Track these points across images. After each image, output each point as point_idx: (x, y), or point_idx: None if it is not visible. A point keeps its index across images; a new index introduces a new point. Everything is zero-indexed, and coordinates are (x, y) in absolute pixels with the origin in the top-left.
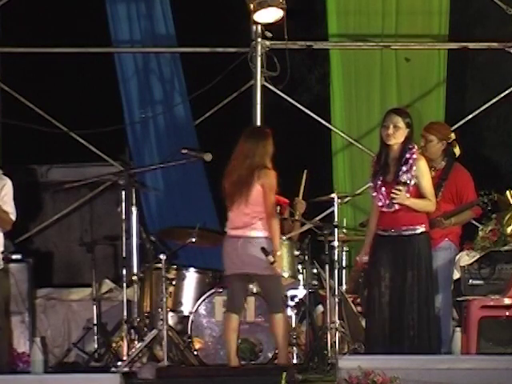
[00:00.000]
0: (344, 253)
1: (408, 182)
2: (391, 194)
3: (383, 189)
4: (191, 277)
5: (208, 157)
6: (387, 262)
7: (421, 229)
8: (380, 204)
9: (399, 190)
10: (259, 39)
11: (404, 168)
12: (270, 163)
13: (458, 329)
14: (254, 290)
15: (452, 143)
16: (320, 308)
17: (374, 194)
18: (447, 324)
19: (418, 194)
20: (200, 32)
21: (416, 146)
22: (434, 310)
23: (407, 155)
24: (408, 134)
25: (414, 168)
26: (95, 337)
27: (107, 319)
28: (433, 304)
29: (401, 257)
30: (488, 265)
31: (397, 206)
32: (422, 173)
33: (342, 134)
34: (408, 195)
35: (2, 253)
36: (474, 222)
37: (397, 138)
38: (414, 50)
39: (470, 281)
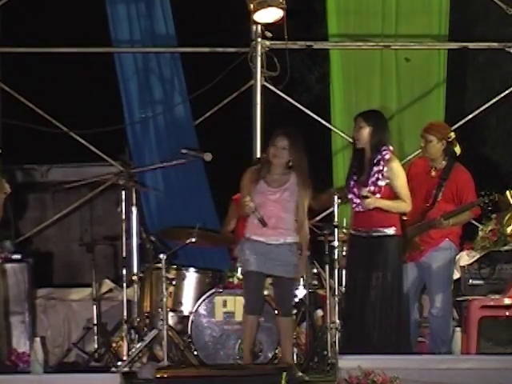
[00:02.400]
0: (344, 253)
1: (367, 195)
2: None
3: (355, 189)
4: (191, 277)
5: (208, 157)
6: (358, 262)
7: (391, 231)
8: (353, 205)
9: (366, 199)
10: (259, 39)
11: (375, 169)
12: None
13: (458, 329)
14: None
15: (452, 142)
16: (319, 312)
17: (350, 195)
18: (447, 324)
19: (392, 194)
20: (200, 32)
21: (390, 147)
22: (400, 312)
23: (379, 156)
24: (372, 132)
25: (386, 169)
26: (95, 337)
27: (107, 319)
28: (399, 307)
29: (369, 257)
30: (488, 265)
31: (371, 207)
32: (395, 174)
33: (342, 134)
34: (378, 195)
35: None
36: (474, 221)
37: (361, 139)
38: (413, 49)
39: (470, 281)
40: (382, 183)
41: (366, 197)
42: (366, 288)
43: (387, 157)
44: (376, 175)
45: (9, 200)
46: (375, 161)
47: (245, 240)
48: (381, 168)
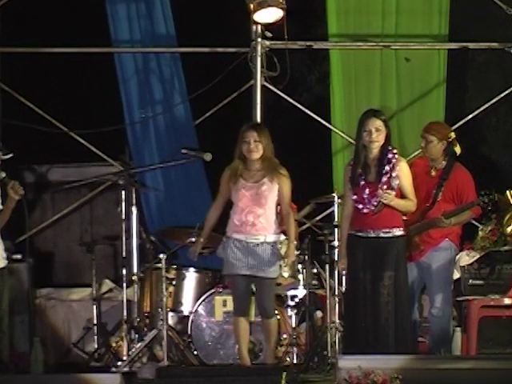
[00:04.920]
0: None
1: (395, 187)
2: (381, 198)
3: (367, 190)
4: (191, 277)
5: (208, 157)
6: (366, 262)
7: (399, 231)
8: (360, 206)
9: (389, 194)
10: (259, 39)
11: (387, 168)
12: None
13: (458, 329)
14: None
15: (452, 142)
16: (319, 313)
17: (354, 196)
18: (447, 324)
19: (400, 194)
20: (200, 32)
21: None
22: (410, 312)
23: (389, 155)
24: (387, 133)
25: (397, 168)
26: (95, 337)
27: (107, 319)
28: (409, 306)
29: (379, 258)
30: (488, 265)
31: (388, 201)
32: (404, 173)
33: (342, 134)
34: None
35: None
36: (474, 221)
37: (380, 141)
38: (413, 49)
39: (470, 281)
40: (395, 182)
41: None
42: (378, 288)
43: (397, 156)
44: (388, 174)
45: (24, 201)
46: (385, 160)
47: (226, 239)
48: (392, 167)
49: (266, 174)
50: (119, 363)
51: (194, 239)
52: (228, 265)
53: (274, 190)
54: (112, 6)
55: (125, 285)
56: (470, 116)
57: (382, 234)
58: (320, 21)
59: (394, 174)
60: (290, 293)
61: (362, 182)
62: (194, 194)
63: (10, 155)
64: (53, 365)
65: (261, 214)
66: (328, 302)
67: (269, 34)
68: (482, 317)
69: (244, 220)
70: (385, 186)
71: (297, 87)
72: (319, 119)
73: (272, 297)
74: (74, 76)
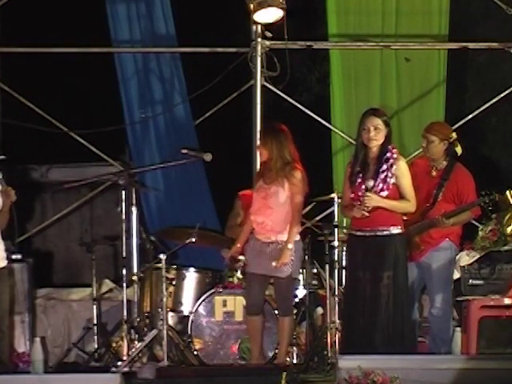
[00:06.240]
0: (344, 253)
1: (370, 187)
2: (363, 202)
3: (363, 187)
4: (191, 277)
5: (208, 157)
6: (364, 262)
7: (397, 230)
8: (358, 204)
9: (368, 196)
10: (259, 39)
11: (384, 166)
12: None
13: (458, 329)
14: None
15: (453, 142)
16: (319, 310)
17: (352, 195)
18: (447, 324)
19: (398, 194)
20: (200, 32)
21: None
22: (410, 312)
23: (388, 154)
24: (387, 132)
25: (395, 167)
26: (95, 337)
27: (107, 319)
28: (409, 306)
29: (377, 257)
30: (488, 265)
31: (371, 203)
32: (402, 173)
33: (342, 134)
34: (385, 193)
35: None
36: (474, 221)
37: (378, 139)
38: (413, 49)
39: (470, 281)
40: (391, 181)
41: (367, 189)
42: (377, 288)
43: (396, 155)
44: (385, 173)
45: (13, 207)
46: (384, 159)
47: (249, 239)
48: (390, 166)
49: (278, 177)
50: (119, 363)
51: (194, 239)
52: (247, 263)
53: (282, 193)
54: (112, 5)
55: (125, 285)
56: (470, 116)
57: (379, 233)
58: (320, 21)
59: (390, 173)
60: None
61: (359, 180)
62: (194, 193)
63: (2, 157)
64: (53, 365)
65: (269, 216)
66: (328, 301)
67: (269, 34)
68: (481, 317)
69: (257, 221)
70: (381, 185)
71: (297, 87)
72: (319, 119)
73: (286, 295)
74: (73, 76)
